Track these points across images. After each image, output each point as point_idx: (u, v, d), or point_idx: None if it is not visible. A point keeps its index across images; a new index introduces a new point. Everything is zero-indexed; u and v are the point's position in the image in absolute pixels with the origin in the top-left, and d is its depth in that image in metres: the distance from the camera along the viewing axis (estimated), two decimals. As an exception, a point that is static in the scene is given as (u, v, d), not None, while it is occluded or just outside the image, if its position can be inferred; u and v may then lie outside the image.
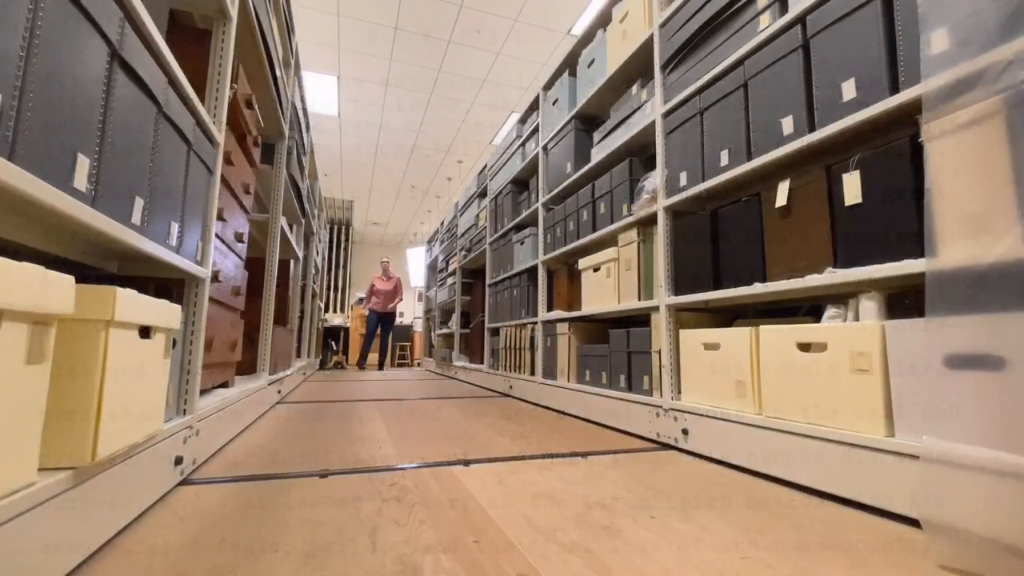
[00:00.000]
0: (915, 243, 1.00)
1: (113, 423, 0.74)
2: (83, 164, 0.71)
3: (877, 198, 1.08)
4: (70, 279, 0.62)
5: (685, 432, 1.53)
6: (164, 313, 0.89)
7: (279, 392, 2.66)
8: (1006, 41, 0.82)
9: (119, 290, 0.71)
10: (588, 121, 2.58)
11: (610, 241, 2.20)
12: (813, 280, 1.19)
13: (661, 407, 1.65)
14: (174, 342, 1.08)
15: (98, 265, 1.07)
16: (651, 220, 1.86)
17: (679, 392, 1.63)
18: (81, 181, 0.70)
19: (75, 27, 0.67)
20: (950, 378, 0.82)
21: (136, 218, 0.86)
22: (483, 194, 4.44)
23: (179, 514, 0.94)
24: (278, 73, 2.16)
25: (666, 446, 1.62)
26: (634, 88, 2.10)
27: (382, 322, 6.28)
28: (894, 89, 1.06)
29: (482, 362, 4.01)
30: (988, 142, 0.85)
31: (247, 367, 2.22)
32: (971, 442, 0.77)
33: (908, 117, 1.08)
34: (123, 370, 0.76)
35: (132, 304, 0.76)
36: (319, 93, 5.44)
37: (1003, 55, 0.82)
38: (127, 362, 0.77)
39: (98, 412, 0.70)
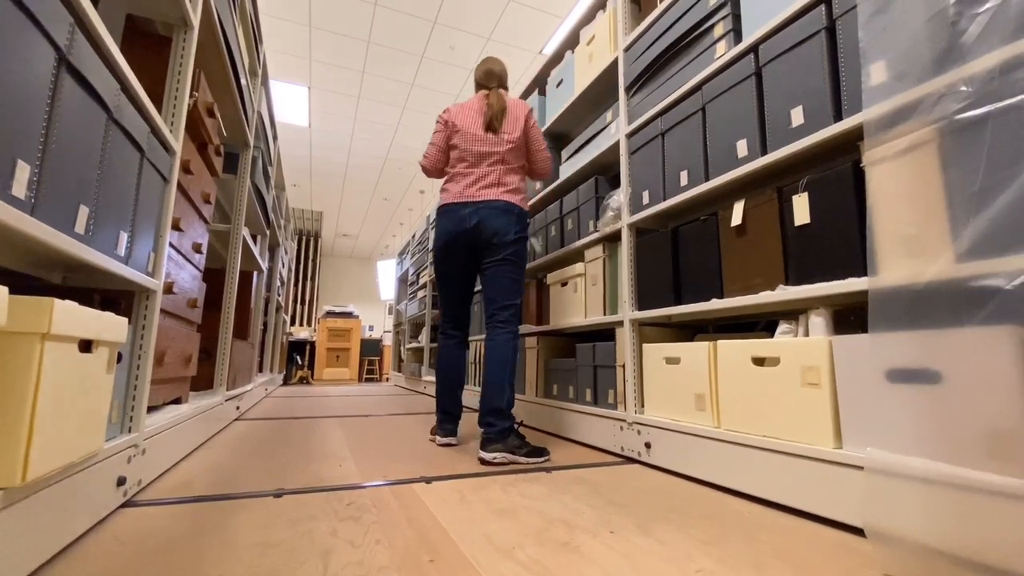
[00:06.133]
0: (859, 262, 1.05)
1: (47, 441, 0.70)
2: (23, 171, 0.68)
3: (824, 219, 1.14)
4: (3, 289, 0.59)
5: (648, 445, 1.55)
6: (108, 326, 0.85)
7: (238, 408, 2.57)
8: (939, 75, 0.88)
9: (57, 302, 0.68)
10: (557, 139, 2.63)
11: (577, 256, 2.23)
12: (766, 296, 1.23)
13: (625, 420, 1.67)
14: (120, 356, 1.03)
15: (40, 275, 1.02)
16: (616, 237, 1.89)
17: (642, 406, 1.65)
18: (20, 188, 0.67)
19: (19, 31, 0.65)
20: (891, 391, 0.86)
21: (80, 227, 0.82)
22: (454, 208, 4.43)
23: (119, 538, 0.89)
24: (243, 82, 2.12)
25: (629, 459, 1.63)
26: (609, 114, 2.15)
27: (478, 269, 1.91)
28: (838, 117, 1.12)
29: (451, 377, 3.97)
30: (923, 168, 0.90)
31: (204, 382, 2.14)
32: (911, 453, 0.81)
33: (851, 143, 1.14)
34: (60, 386, 0.72)
35: (71, 316, 0.72)
36: (289, 103, 5.37)
37: (936, 87, 0.87)
38: (64, 377, 0.74)
39: (30, 430, 0.66)
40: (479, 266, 1.89)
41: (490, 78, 2.00)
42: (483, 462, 1.58)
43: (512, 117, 1.90)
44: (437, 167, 1.95)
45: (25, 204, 0.68)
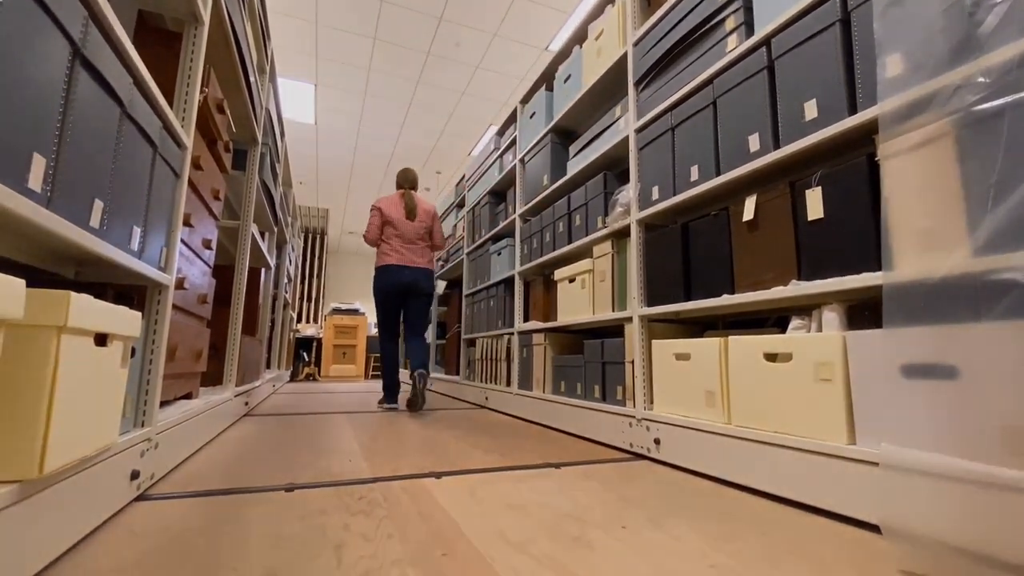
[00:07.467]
0: (873, 257, 1.04)
1: (63, 435, 0.70)
2: (39, 164, 0.68)
3: (838, 213, 1.13)
4: (21, 282, 0.59)
5: (657, 442, 1.54)
6: (122, 320, 0.86)
7: (246, 404, 2.59)
8: (955, 67, 0.87)
9: (73, 295, 0.68)
10: (564, 135, 2.62)
11: (585, 253, 2.22)
12: (778, 292, 1.22)
13: (634, 417, 1.66)
14: (133, 351, 1.04)
15: (54, 270, 1.03)
16: (624, 232, 1.89)
17: (651, 402, 1.64)
18: (36, 181, 0.68)
19: (36, 24, 0.65)
20: (906, 386, 0.85)
21: (95, 221, 0.83)
22: (461, 205, 4.45)
23: (133, 531, 0.90)
24: (252, 79, 2.13)
25: (639, 456, 1.63)
26: (618, 109, 2.14)
27: (406, 304, 3.03)
28: (852, 110, 1.11)
29: (458, 373, 3.98)
30: (939, 162, 0.89)
31: (213, 378, 2.15)
32: (926, 448, 0.80)
33: (866, 137, 1.13)
34: (76, 379, 0.73)
35: (87, 310, 0.73)
36: (296, 101, 5.39)
37: (952, 79, 0.86)
38: (80, 371, 0.74)
39: (47, 423, 0.67)
40: (405, 303, 3.03)
41: (406, 181, 3.13)
42: (423, 405, 2.85)
43: (422, 210, 3.06)
44: (376, 239, 3.00)
45: (41, 197, 0.69)
